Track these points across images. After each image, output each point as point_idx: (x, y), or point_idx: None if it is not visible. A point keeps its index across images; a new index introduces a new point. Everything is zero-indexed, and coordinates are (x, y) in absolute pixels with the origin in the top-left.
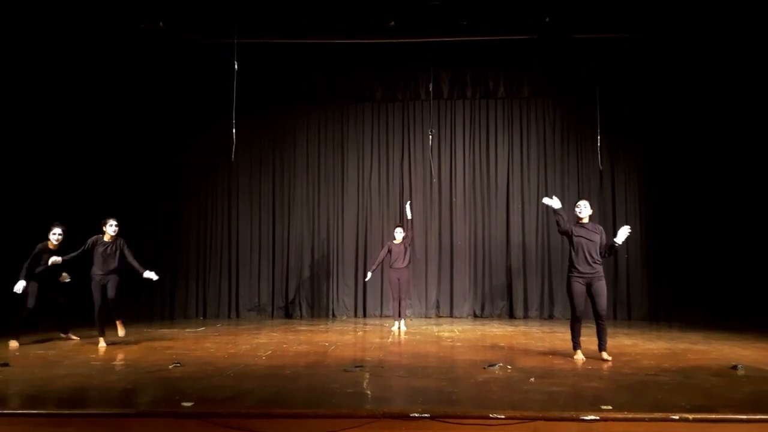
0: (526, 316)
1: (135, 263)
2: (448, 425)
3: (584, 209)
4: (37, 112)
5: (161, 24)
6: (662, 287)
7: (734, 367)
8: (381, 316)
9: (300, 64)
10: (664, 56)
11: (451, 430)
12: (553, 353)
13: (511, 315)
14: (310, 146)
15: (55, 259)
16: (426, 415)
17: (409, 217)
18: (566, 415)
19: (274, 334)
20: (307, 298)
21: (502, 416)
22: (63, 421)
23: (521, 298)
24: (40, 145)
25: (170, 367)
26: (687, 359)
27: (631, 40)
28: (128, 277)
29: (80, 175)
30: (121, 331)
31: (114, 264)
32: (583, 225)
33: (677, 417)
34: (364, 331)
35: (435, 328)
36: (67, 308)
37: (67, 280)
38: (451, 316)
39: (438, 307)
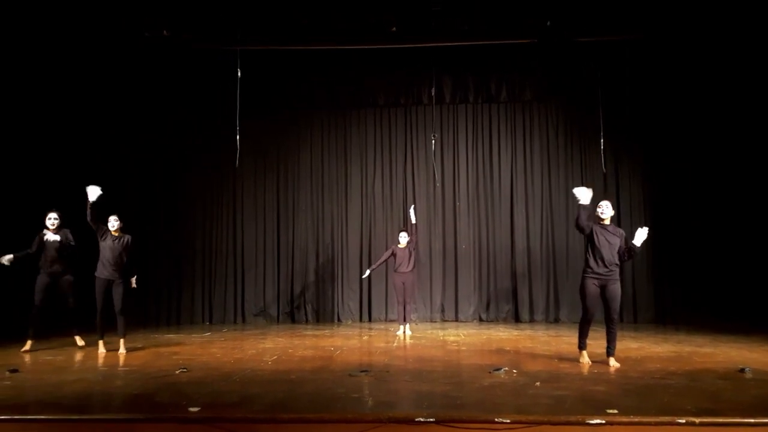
0: (531, 320)
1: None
2: (454, 429)
3: (606, 210)
4: (39, 113)
5: (165, 32)
6: (668, 290)
7: (741, 371)
8: (386, 320)
9: (302, 70)
10: (666, 58)
11: None
12: (559, 357)
13: (516, 319)
14: (313, 151)
15: (8, 257)
16: (431, 419)
17: (413, 221)
18: (572, 419)
19: (280, 338)
20: (312, 303)
21: (508, 420)
22: (73, 427)
23: (527, 302)
24: (41, 146)
25: (177, 372)
26: (694, 362)
27: (633, 43)
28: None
29: (81, 175)
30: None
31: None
32: (604, 226)
33: (684, 421)
34: (370, 336)
35: (440, 332)
36: (75, 310)
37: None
38: (456, 320)
39: (443, 311)
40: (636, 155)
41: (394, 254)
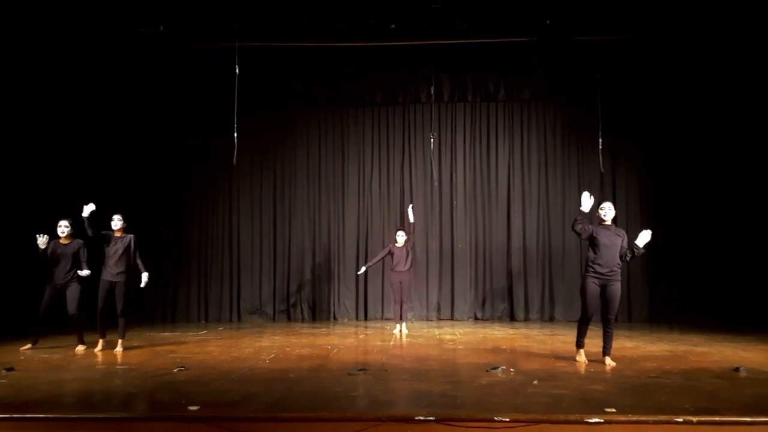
0: (526, 319)
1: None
2: (453, 428)
3: (608, 211)
4: (38, 113)
5: (162, 28)
6: (663, 289)
7: (736, 369)
8: (382, 318)
9: (300, 67)
10: (665, 57)
11: None
12: (556, 356)
13: (511, 317)
14: (310, 149)
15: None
16: (431, 418)
17: (411, 220)
18: (571, 418)
19: (276, 337)
20: (308, 301)
21: (507, 419)
22: (71, 425)
23: (522, 301)
24: (41, 146)
25: (175, 370)
26: (689, 361)
27: (631, 42)
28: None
29: (81, 175)
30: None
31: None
32: (606, 227)
33: (681, 420)
34: (366, 334)
35: (436, 331)
36: (80, 319)
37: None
38: (452, 318)
39: (439, 309)
40: (633, 154)
41: (391, 253)
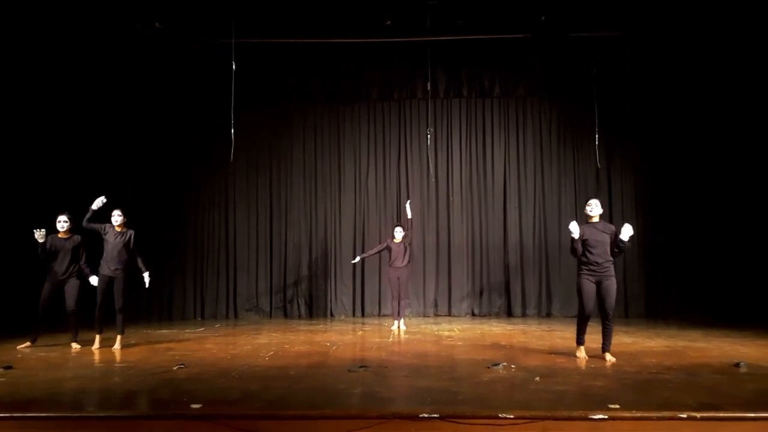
0: (524, 315)
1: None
2: (458, 425)
3: (595, 208)
4: (36, 113)
5: (158, 24)
6: (660, 285)
7: (737, 365)
8: (379, 315)
9: (296, 63)
10: (661, 54)
11: (461, 430)
12: (555, 352)
13: (509, 313)
14: (306, 145)
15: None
16: (435, 415)
17: (409, 216)
18: (575, 414)
19: (274, 334)
20: (305, 298)
21: (511, 416)
22: (75, 423)
23: (519, 297)
24: (39, 147)
25: (174, 368)
26: (688, 357)
27: (628, 39)
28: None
29: (80, 175)
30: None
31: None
32: (593, 224)
33: (685, 415)
34: (364, 331)
35: (434, 327)
36: (77, 315)
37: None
38: (450, 314)
39: (436, 305)
40: (629, 150)
41: (389, 249)
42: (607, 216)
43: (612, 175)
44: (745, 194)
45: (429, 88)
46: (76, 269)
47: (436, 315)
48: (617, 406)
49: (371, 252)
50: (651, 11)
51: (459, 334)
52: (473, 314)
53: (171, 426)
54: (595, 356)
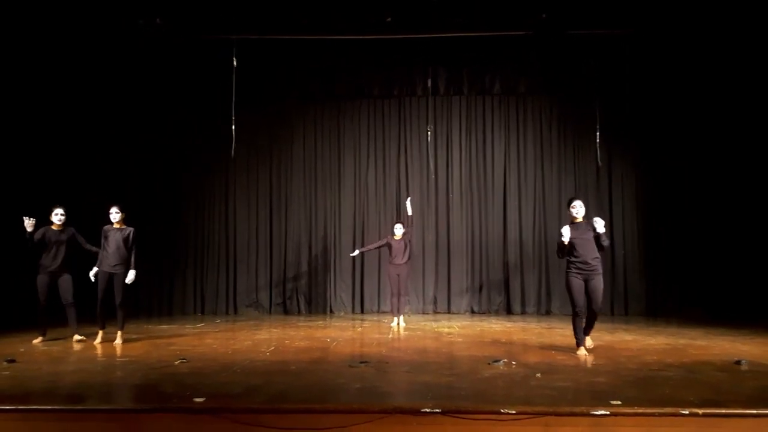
0: (523, 312)
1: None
2: (460, 420)
3: (579, 209)
4: (35, 112)
5: (158, 20)
6: (660, 284)
7: (738, 362)
8: (378, 311)
9: (297, 60)
10: (662, 53)
11: (462, 425)
12: (555, 348)
13: (508, 311)
14: (306, 142)
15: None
16: (437, 410)
17: (410, 212)
18: (577, 410)
19: (275, 330)
20: (304, 294)
21: (513, 411)
22: (76, 416)
23: (518, 294)
24: (39, 146)
25: (176, 363)
26: (689, 354)
27: (629, 37)
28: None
29: (80, 174)
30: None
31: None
32: (577, 226)
33: (687, 412)
34: (363, 327)
35: (434, 324)
36: (75, 308)
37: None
38: (449, 311)
39: (435, 302)
40: (630, 149)
41: (389, 245)
42: (607, 214)
43: (612, 173)
44: (745, 193)
45: (429, 85)
46: (68, 263)
47: (436, 312)
48: (619, 403)
49: (371, 246)
50: (651, 10)
51: (458, 331)
52: (472, 311)
53: (175, 419)
54: (595, 354)
